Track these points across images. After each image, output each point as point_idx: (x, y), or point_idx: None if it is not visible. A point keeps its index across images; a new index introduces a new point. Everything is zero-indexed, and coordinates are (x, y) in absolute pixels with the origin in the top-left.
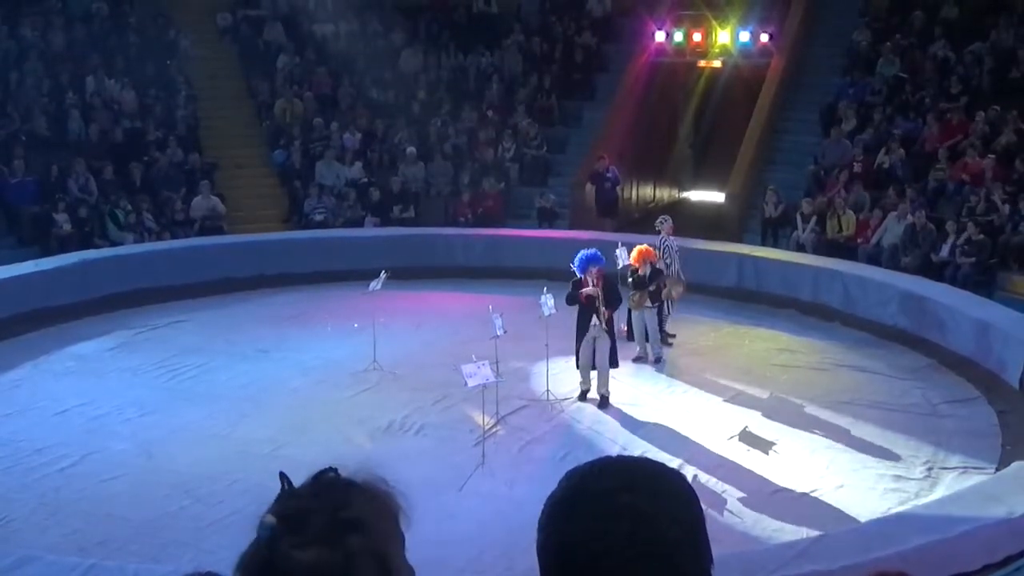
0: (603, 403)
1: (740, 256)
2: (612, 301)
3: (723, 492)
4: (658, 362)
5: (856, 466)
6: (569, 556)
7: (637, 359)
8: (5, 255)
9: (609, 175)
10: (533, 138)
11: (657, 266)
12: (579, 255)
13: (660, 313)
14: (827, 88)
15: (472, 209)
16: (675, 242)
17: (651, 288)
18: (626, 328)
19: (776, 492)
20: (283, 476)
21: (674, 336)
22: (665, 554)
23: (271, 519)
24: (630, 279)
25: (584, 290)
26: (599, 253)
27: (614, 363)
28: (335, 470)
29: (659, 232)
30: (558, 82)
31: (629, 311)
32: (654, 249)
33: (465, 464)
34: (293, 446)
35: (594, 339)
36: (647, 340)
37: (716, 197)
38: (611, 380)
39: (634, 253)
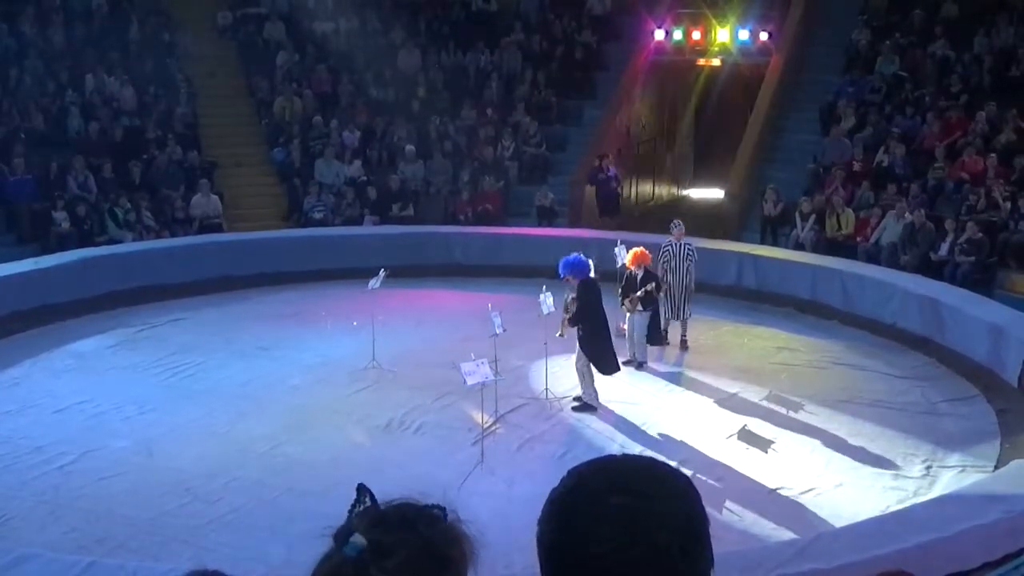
0: (580, 406)
1: (739, 255)
2: (576, 316)
3: (722, 490)
4: (640, 367)
5: (855, 464)
6: (563, 555)
7: (627, 362)
8: (4, 253)
9: (610, 174)
10: (533, 136)
11: (652, 270)
12: (569, 259)
13: (654, 317)
14: (827, 87)
15: (471, 207)
16: (677, 247)
17: (643, 292)
18: (625, 326)
19: (775, 490)
20: (363, 489)
21: (668, 337)
22: (657, 556)
23: (362, 540)
24: (621, 283)
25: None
26: (581, 259)
27: (605, 369)
28: (431, 507)
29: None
30: (558, 80)
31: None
32: (672, 248)
33: (464, 462)
34: (292, 444)
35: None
36: (635, 343)
37: (715, 195)
38: (608, 378)
39: (629, 255)
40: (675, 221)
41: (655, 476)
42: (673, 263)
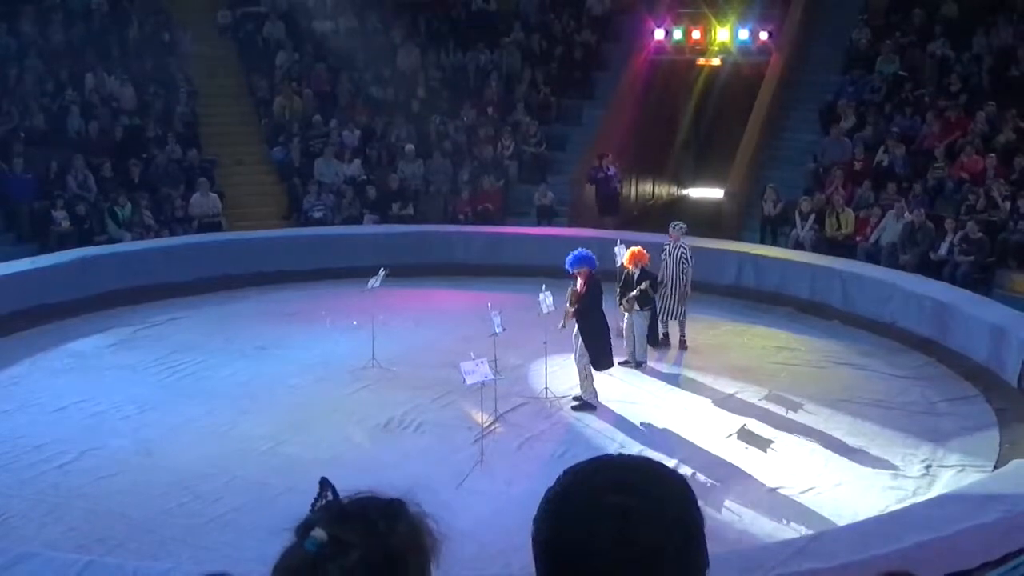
0: (579, 405)
1: (739, 254)
2: (582, 307)
3: (721, 490)
4: (640, 367)
5: (854, 464)
6: (558, 554)
7: (624, 363)
8: (4, 252)
9: (610, 173)
10: (533, 135)
11: (648, 269)
12: (578, 254)
13: (653, 317)
14: (826, 86)
15: (471, 207)
16: (674, 248)
17: (638, 292)
18: (623, 325)
19: (774, 490)
20: (326, 483)
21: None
22: (651, 557)
23: (323, 535)
24: (619, 282)
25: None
26: (589, 254)
27: (598, 365)
28: (391, 500)
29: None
30: (557, 80)
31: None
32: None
33: (464, 462)
34: (292, 443)
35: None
36: (635, 343)
37: (715, 195)
38: (608, 378)
39: (626, 255)
40: (674, 222)
41: (651, 476)
42: (669, 264)
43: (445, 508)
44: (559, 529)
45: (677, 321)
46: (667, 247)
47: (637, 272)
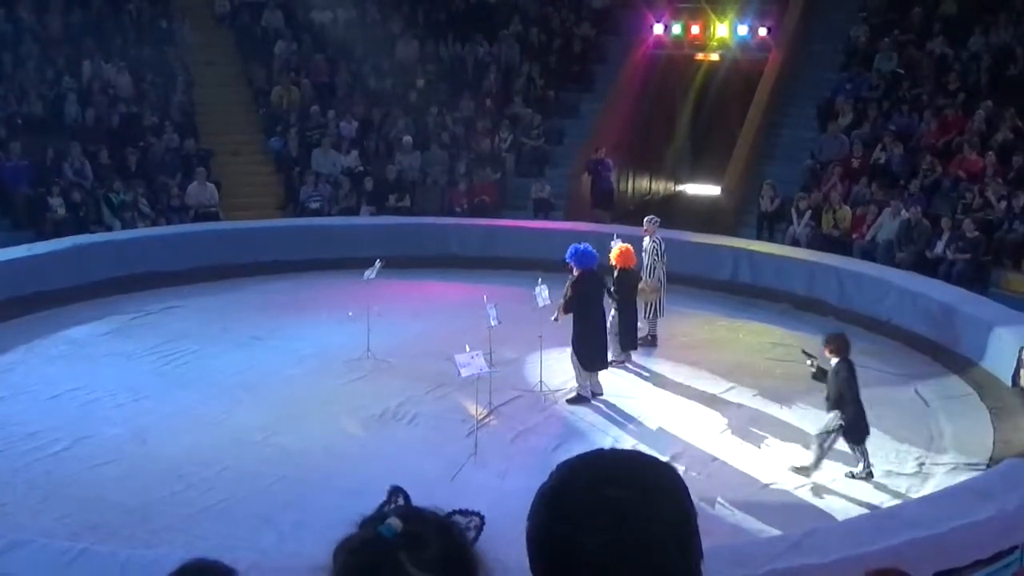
0: (574, 399)
1: (735, 250)
2: (569, 304)
3: (715, 485)
4: (616, 364)
5: (848, 461)
6: (554, 547)
7: (612, 362)
8: (0, 238)
9: (606, 166)
10: (536, 127)
11: (626, 269)
12: (577, 247)
13: (646, 314)
14: (824, 83)
15: (468, 199)
16: (649, 244)
17: (612, 289)
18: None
19: (768, 485)
20: (398, 490)
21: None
22: (647, 550)
23: (399, 524)
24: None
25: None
26: (588, 249)
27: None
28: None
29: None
30: (556, 73)
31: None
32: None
33: (457, 454)
34: (286, 433)
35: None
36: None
37: (712, 190)
38: (602, 372)
39: (614, 251)
40: (648, 216)
41: (646, 469)
42: (645, 260)
43: (438, 501)
44: (555, 524)
45: (655, 319)
46: (644, 242)
47: (617, 271)
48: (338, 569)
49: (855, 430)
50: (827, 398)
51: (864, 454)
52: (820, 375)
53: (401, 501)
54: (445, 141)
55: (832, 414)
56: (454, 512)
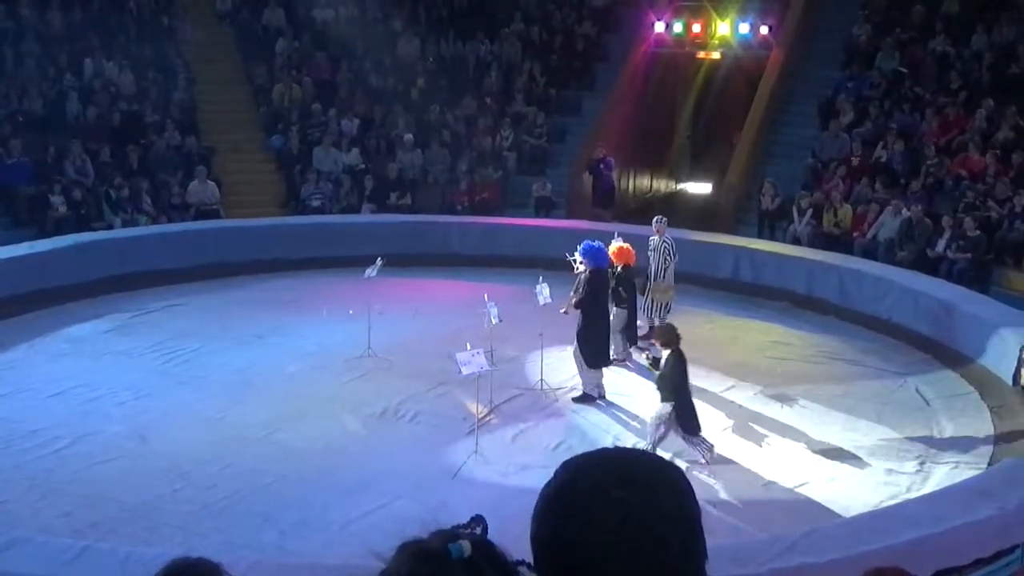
0: (580, 397)
1: (736, 248)
2: (581, 301)
3: (715, 484)
4: (617, 362)
5: (848, 459)
6: (561, 548)
7: (614, 360)
8: (1, 236)
9: (607, 165)
10: (537, 126)
11: (627, 267)
12: (591, 245)
13: (658, 312)
14: (826, 81)
15: (469, 197)
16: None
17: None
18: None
19: (768, 484)
20: (480, 519)
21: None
22: (654, 549)
23: (468, 548)
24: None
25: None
26: (600, 248)
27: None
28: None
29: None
30: (557, 71)
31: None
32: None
33: (458, 452)
34: (287, 431)
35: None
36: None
37: (713, 189)
38: (603, 371)
39: (613, 249)
40: (657, 216)
41: (651, 469)
42: (656, 259)
43: (439, 499)
44: (561, 524)
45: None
46: (653, 242)
47: (619, 269)
48: (396, 567)
49: (684, 420)
50: (658, 388)
51: (697, 444)
52: (655, 364)
53: (479, 531)
54: (446, 139)
55: (666, 404)
56: (521, 562)
